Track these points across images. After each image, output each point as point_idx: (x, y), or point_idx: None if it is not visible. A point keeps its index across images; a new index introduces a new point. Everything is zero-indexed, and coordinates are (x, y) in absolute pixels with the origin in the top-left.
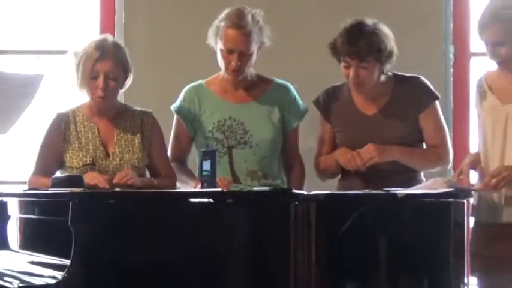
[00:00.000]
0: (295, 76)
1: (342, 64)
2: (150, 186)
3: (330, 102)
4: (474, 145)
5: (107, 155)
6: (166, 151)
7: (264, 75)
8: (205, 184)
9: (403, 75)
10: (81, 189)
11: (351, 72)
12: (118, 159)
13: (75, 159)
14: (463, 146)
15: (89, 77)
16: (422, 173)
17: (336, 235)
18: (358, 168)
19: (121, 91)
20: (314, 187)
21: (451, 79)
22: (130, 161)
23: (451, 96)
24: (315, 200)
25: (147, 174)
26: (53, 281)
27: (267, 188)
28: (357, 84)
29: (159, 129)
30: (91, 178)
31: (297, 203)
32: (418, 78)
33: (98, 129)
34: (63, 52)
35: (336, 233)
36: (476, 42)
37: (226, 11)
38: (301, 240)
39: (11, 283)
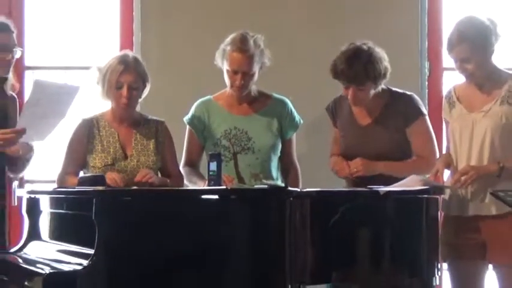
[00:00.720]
0: (291, 90)
1: (342, 85)
2: (164, 184)
3: (336, 110)
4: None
5: (126, 157)
6: (175, 155)
7: (264, 91)
8: (212, 182)
9: (397, 91)
10: (104, 187)
11: (350, 93)
12: (135, 161)
13: (98, 160)
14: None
15: (114, 88)
16: None
17: (326, 226)
18: (346, 176)
19: (139, 100)
20: (310, 186)
21: (426, 91)
22: (145, 163)
23: (427, 107)
24: (308, 196)
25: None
26: (79, 267)
27: (265, 186)
28: (354, 104)
29: (170, 136)
30: (108, 177)
31: (292, 198)
32: (410, 95)
33: (117, 134)
34: (87, 68)
35: (327, 224)
36: (448, 58)
37: (232, 35)
38: (295, 231)
39: (42, 269)
